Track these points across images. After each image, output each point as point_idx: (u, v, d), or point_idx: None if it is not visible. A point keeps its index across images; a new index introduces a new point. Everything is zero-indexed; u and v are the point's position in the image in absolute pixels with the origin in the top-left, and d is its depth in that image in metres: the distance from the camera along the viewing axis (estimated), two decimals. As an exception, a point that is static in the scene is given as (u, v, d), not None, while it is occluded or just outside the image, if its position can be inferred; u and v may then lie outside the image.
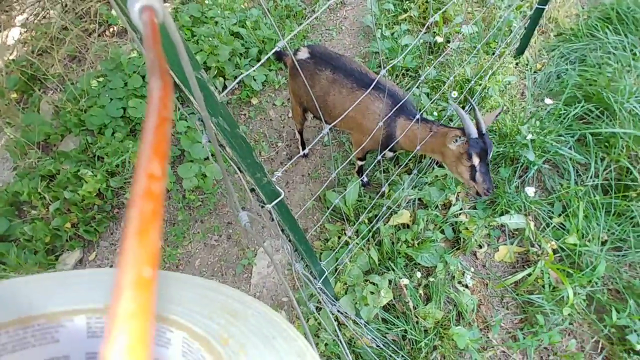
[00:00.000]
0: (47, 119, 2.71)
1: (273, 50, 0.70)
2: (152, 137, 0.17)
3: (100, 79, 2.75)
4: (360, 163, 2.13)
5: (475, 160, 1.56)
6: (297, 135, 2.40)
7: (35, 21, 3.36)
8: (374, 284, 1.82)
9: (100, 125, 2.55)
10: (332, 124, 1.05)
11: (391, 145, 1.72)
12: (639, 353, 1.57)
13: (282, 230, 1.04)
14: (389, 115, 1.70)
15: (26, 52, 3.23)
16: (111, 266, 2.26)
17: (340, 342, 1.43)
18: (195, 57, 0.50)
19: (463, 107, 2.33)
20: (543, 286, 1.79)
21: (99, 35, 3.31)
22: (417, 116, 1.62)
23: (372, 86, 1.20)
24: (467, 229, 1.97)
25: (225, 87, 2.82)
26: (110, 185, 2.38)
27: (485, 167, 1.58)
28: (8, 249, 2.17)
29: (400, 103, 1.55)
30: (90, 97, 2.66)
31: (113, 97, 2.59)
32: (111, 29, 3.42)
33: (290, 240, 1.11)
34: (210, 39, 2.84)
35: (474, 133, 1.51)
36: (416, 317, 1.74)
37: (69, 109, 2.64)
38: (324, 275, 1.44)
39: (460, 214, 2.05)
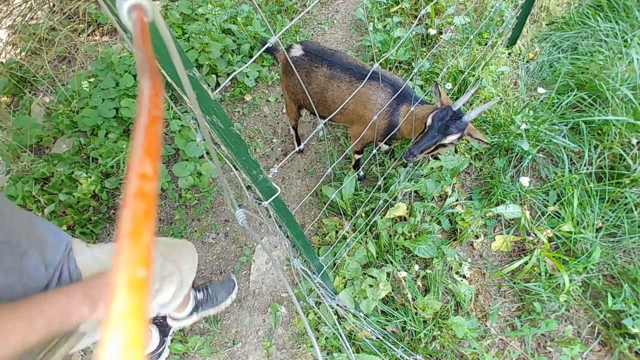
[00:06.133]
0: (38, 122, 2.68)
1: (265, 47, 0.69)
2: (143, 137, 0.17)
3: (92, 80, 2.72)
4: (357, 157, 2.13)
5: (429, 121, 1.54)
6: (292, 132, 2.39)
7: (23, 22, 3.31)
8: (372, 277, 1.83)
9: (93, 126, 2.53)
10: (329, 117, 1.05)
11: (392, 133, 1.72)
12: (634, 337, 1.60)
13: (280, 227, 1.04)
14: (392, 103, 1.70)
15: (15, 54, 3.18)
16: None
17: (340, 335, 1.44)
18: (186, 55, 0.49)
19: (456, 98, 2.33)
20: (539, 274, 1.81)
21: (88, 35, 3.27)
22: (418, 100, 1.65)
23: (367, 76, 1.20)
24: (463, 219, 1.98)
25: (218, 84, 2.80)
26: (105, 186, 2.37)
27: (431, 135, 1.51)
28: (4, 253, 2.16)
29: (401, 89, 1.56)
30: (81, 98, 2.63)
31: (105, 97, 2.56)
32: (101, 29, 3.38)
33: (288, 237, 1.11)
34: (201, 36, 2.81)
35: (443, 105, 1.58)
36: (415, 308, 1.75)
37: (61, 111, 2.61)
38: (323, 270, 1.45)
39: (456, 205, 2.06)
